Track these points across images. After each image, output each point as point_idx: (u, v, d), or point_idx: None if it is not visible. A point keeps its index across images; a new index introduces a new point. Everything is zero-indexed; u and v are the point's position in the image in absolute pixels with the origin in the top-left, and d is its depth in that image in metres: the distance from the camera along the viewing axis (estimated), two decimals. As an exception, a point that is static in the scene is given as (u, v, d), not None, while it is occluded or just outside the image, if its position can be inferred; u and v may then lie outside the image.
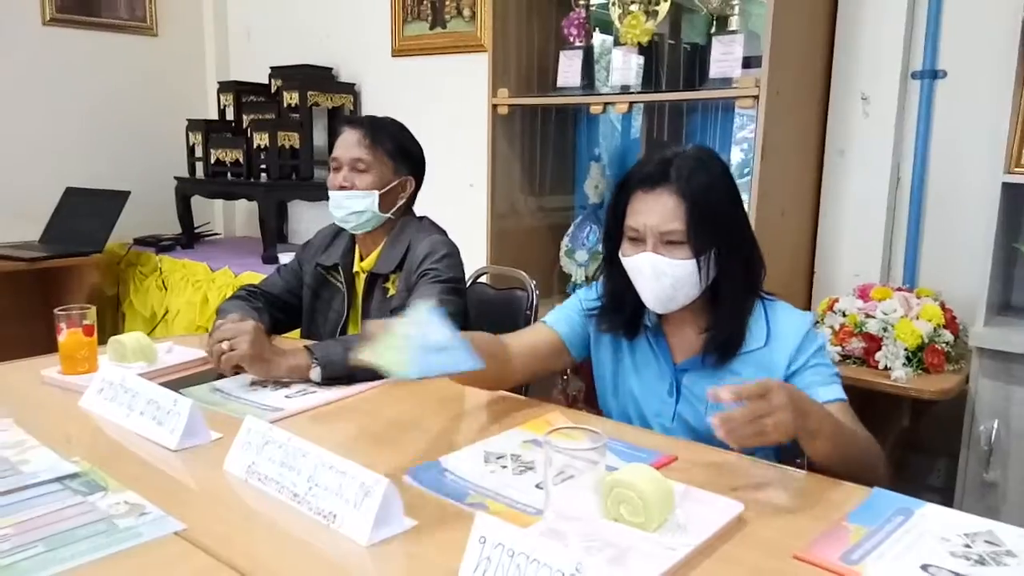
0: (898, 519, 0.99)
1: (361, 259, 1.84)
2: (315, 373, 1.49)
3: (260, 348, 1.45)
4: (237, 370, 1.51)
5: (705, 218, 1.24)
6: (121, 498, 1.00)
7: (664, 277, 1.25)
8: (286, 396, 1.42)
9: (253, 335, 1.44)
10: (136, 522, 0.93)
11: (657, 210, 1.25)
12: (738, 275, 1.29)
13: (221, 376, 1.51)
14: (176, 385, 1.41)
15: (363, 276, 1.81)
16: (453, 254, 1.77)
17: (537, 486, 1.07)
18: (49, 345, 1.57)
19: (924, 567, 0.87)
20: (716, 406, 1.24)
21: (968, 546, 0.92)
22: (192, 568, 0.84)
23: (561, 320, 1.47)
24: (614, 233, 1.33)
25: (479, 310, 1.92)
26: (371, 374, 1.39)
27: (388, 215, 1.78)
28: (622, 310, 1.37)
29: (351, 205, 1.73)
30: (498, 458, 1.16)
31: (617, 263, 1.33)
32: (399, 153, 1.78)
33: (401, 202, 1.81)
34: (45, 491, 1.02)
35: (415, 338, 1.03)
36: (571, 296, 1.52)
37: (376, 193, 1.73)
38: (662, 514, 0.94)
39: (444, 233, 1.84)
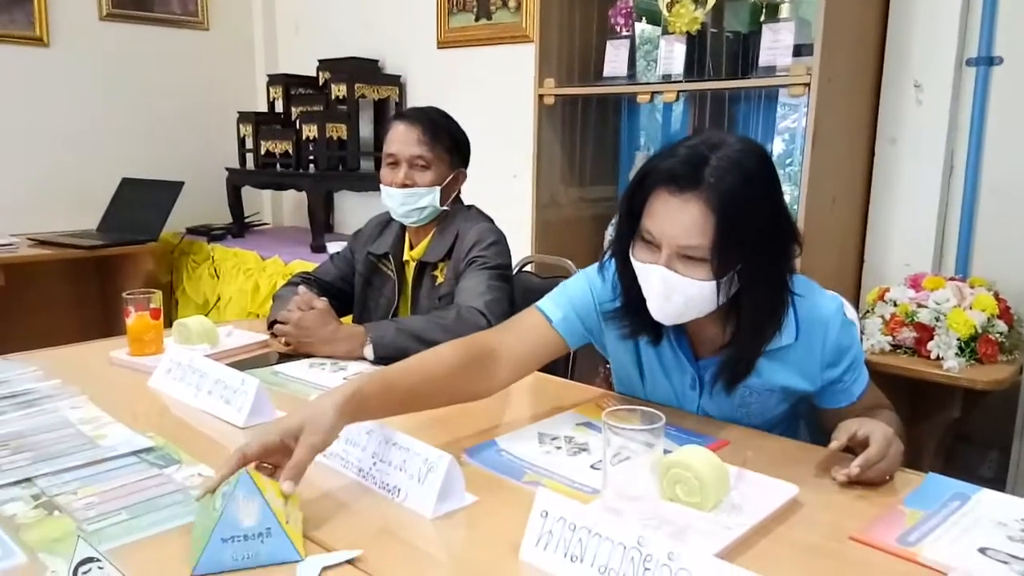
0: (954, 503, 0.99)
1: (411, 247, 1.87)
2: (368, 351, 1.55)
3: (326, 323, 1.57)
4: (294, 350, 1.59)
5: (736, 237, 1.05)
6: (195, 471, 1.05)
7: (675, 296, 1.09)
8: (344, 378, 1.46)
9: (324, 309, 1.61)
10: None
11: (680, 220, 1.06)
12: (764, 291, 1.12)
13: (281, 359, 1.57)
14: (238, 367, 1.45)
15: (413, 264, 1.85)
16: (500, 241, 1.80)
17: (592, 467, 1.09)
18: (105, 330, 1.63)
19: (982, 550, 0.88)
20: (744, 404, 1.25)
21: (1027, 530, 0.92)
22: (267, 536, 0.88)
23: (567, 319, 1.28)
24: (627, 229, 1.15)
25: (524, 298, 1.94)
26: None
27: (444, 207, 1.81)
28: (645, 311, 1.16)
29: (414, 203, 1.75)
30: (552, 439, 1.19)
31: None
32: (455, 147, 1.81)
33: (455, 194, 1.84)
34: (123, 464, 1.07)
35: (215, 522, 0.80)
36: (578, 280, 1.32)
37: (437, 190, 1.76)
38: (718, 495, 0.96)
39: (491, 221, 1.87)
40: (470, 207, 1.90)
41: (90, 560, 0.70)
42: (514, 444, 1.17)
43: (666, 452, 0.97)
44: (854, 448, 1.06)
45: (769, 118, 2.34)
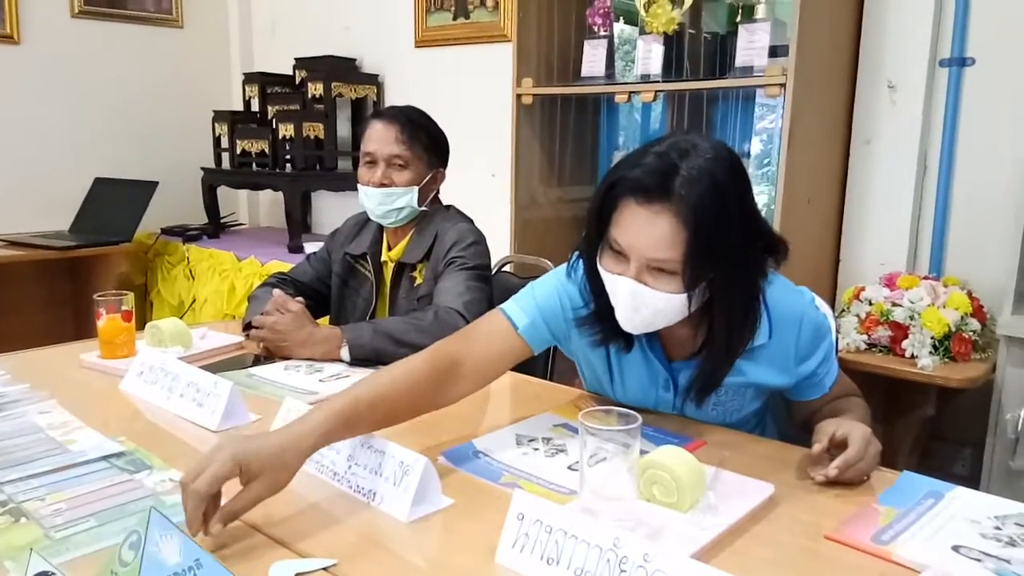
0: (928, 501, 1.00)
1: (389, 248, 1.86)
2: (344, 352, 1.54)
3: (302, 325, 1.57)
4: (268, 355, 1.57)
5: (707, 249, 1.02)
6: (166, 476, 1.03)
7: (644, 309, 1.07)
8: (320, 380, 1.45)
9: (300, 311, 1.60)
10: (141, 513, 0.95)
11: (650, 232, 1.03)
12: (737, 298, 1.10)
13: (256, 361, 1.55)
14: (212, 370, 1.43)
15: (391, 265, 1.84)
16: (480, 242, 1.79)
17: (569, 468, 1.09)
18: (77, 332, 1.61)
19: (955, 548, 0.89)
20: (720, 403, 1.25)
21: (999, 528, 0.93)
22: (237, 541, 0.87)
23: (533, 324, 1.23)
24: (595, 236, 1.11)
25: (502, 298, 1.92)
26: (401, 357, 1.47)
27: (423, 207, 1.80)
28: (615, 318, 1.13)
29: (392, 203, 1.74)
30: (530, 441, 1.19)
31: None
32: (433, 146, 1.79)
33: (433, 194, 1.83)
34: (93, 469, 1.05)
35: (137, 571, 0.73)
36: (547, 283, 1.27)
37: (415, 189, 1.75)
38: (694, 495, 0.96)
39: (471, 221, 1.86)
40: (448, 207, 1.89)
41: (44, 574, 0.68)
42: (491, 446, 1.16)
43: (643, 453, 0.97)
44: (831, 449, 1.06)
45: (747, 118, 2.35)
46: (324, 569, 0.82)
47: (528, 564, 0.82)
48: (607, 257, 1.10)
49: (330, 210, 3.74)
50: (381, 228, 1.87)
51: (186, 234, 3.47)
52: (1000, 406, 1.80)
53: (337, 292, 1.91)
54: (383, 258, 1.86)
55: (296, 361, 1.56)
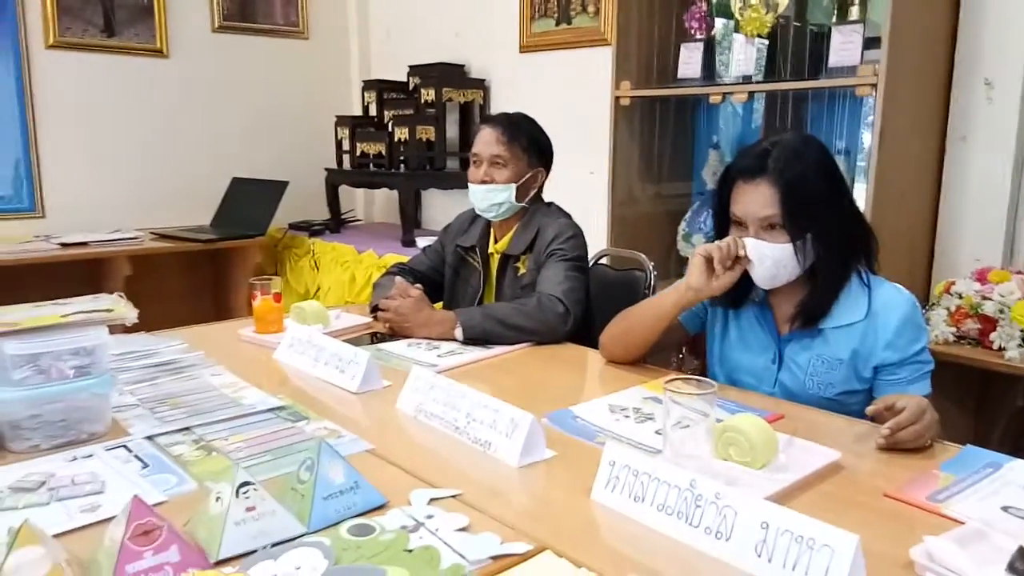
0: (987, 470, 1.10)
1: (495, 241, 2.05)
2: (458, 332, 1.74)
3: (421, 309, 1.78)
4: (393, 331, 1.80)
5: (800, 204, 1.34)
6: (322, 425, 1.26)
7: (766, 259, 1.38)
8: (438, 356, 1.66)
9: (419, 297, 1.81)
10: (337, 442, 1.18)
11: (756, 199, 1.37)
12: (834, 254, 1.38)
13: (382, 339, 1.78)
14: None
15: (497, 257, 2.03)
16: (578, 235, 1.96)
17: (656, 432, 1.24)
18: (216, 317, 1.85)
19: (1004, 508, 0.99)
20: (816, 373, 1.40)
21: (1049, 493, 1.03)
22: (385, 475, 1.07)
23: (690, 312, 1.58)
24: (721, 219, 1.48)
25: (599, 290, 2.10)
26: (508, 338, 1.72)
27: (523, 204, 1.98)
28: (737, 286, 1.45)
29: (492, 197, 1.94)
30: (622, 409, 1.35)
31: None
32: (533, 147, 1.97)
33: (533, 191, 2.01)
34: (262, 418, 1.29)
35: (312, 486, 0.95)
36: None
37: (514, 186, 1.94)
38: (766, 456, 1.09)
39: (570, 217, 2.03)
40: (550, 204, 2.06)
41: (247, 484, 0.89)
42: (588, 412, 1.33)
43: (720, 422, 1.11)
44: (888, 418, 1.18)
45: (840, 116, 2.41)
46: (452, 496, 1.01)
47: (618, 501, 0.99)
48: (733, 230, 1.44)
49: (439, 207, 3.99)
50: (488, 223, 2.07)
51: (311, 229, 3.79)
52: (1092, 400, 1.82)
53: (450, 281, 2.12)
54: (490, 250, 2.06)
55: (417, 339, 1.78)
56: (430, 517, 0.95)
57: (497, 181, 1.94)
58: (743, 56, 2.33)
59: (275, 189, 3.61)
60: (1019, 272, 1.99)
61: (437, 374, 1.33)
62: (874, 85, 1.97)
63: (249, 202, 3.69)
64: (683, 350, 2.57)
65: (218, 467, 1.10)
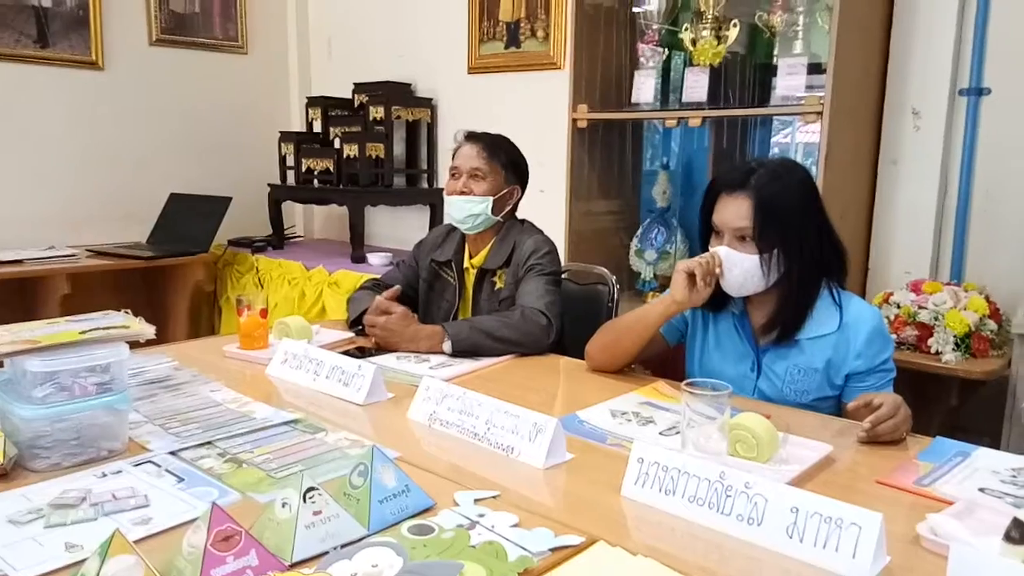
0: (958, 458, 1.24)
1: (471, 256, 2.11)
2: (447, 346, 1.79)
3: (408, 324, 1.82)
4: (379, 346, 1.83)
5: (771, 220, 1.45)
6: (341, 435, 1.28)
7: (735, 268, 1.49)
8: (430, 368, 1.70)
9: (405, 312, 1.85)
10: (361, 450, 1.21)
11: (733, 210, 1.49)
12: (805, 270, 1.49)
13: (368, 351, 1.81)
14: (339, 358, 1.69)
15: (473, 271, 2.09)
16: (553, 251, 2.04)
17: (660, 434, 1.33)
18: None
19: (981, 489, 1.12)
20: (793, 381, 1.52)
21: (1015, 475, 1.17)
22: (425, 479, 1.11)
23: (669, 324, 1.68)
24: (706, 227, 1.58)
25: (564, 304, 2.18)
26: (495, 350, 1.79)
27: (498, 218, 2.05)
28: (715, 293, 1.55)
29: (470, 208, 2.00)
30: (623, 414, 1.43)
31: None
32: (511, 165, 2.06)
33: (509, 207, 2.08)
34: (280, 431, 1.30)
35: (368, 490, 0.98)
36: None
37: (491, 199, 2.01)
38: (770, 451, 1.20)
39: (543, 233, 2.11)
40: (523, 221, 2.14)
41: (312, 489, 0.92)
42: (593, 416, 1.41)
43: (723, 421, 1.21)
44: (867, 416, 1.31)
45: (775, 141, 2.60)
46: (493, 497, 1.06)
47: (649, 495, 1.07)
48: (712, 238, 1.55)
49: (383, 223, 4.00)
50: (463, 239, 2.13)
51: (253, 245, 3.74)
52: (1015, 397, 2.03)
53: (424, 295, 2.17)
54: (465, 265, 2.11)
55: (405, 352, 1.81)
56: (482, 516, 1.00)
57: (475, 193, 2.00)
58: (694, 84, 2.48)
59: (217, 205, 3.55)
60: (948, 283, 2.19)
61: (449, 384, 1.38)
62: (819, 113, 2.14)
63: (189, 218, 3.61)
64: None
65: (253, 478, 1.12)
